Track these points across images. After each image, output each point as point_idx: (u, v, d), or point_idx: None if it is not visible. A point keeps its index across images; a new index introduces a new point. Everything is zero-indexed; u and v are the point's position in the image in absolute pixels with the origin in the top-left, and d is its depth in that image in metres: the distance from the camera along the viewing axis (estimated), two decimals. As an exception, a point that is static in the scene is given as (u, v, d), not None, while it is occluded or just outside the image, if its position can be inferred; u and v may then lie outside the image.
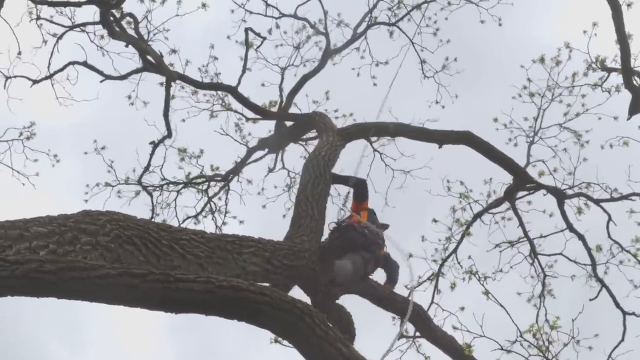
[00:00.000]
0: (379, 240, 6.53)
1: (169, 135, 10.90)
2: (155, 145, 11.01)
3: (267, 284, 4.38)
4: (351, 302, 6.20)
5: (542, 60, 11.18)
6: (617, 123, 10.70)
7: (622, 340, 9.47)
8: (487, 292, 9.95)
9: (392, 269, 6.81)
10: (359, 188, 7.10)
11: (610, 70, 10.48)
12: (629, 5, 9.23)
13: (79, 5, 10.13)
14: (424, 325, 6.83)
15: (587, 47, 10.53)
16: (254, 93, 11.14)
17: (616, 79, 10.45)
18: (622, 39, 8.31)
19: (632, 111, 9.35)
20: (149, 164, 11.19)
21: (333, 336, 3.67)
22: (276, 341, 8.23)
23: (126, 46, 10.20)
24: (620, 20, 8.09)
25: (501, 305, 9.48)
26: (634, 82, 9.00)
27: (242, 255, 4.89)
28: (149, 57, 10.21)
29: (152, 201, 11.39)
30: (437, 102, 11.98)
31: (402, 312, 7.02)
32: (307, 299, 5.58)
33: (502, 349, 9.18)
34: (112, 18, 9.70)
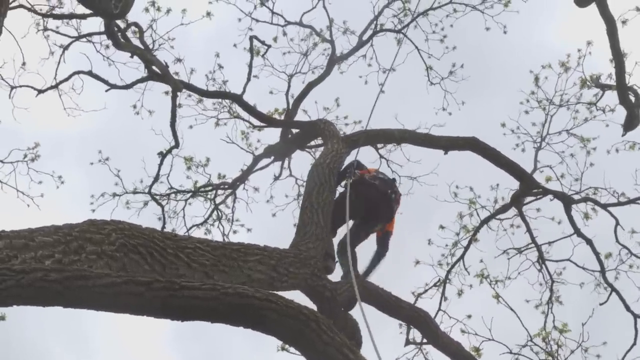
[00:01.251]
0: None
1: (177, 145, 10.95)
2: (163, 155, 11.05)
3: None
4: (357, 309, 6.20)
5: (536, 79, 11.27)
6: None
7: (634, 343, 9.44)
8: (497, 296, 9.92)
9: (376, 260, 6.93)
10: (352, 168, 7.33)
11: (604, 87, 10.50)
12: (623, 22, 9.26)
13: (83, 17, 10.20)
14: (430, 332, 6.81)
15: (582, 66, 10.71)
16: (263, 100, 11.20)
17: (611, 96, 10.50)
18: (617, 55, 8.31)
19: (627, 127, 9.38)
20: (158, 175, 11.24)
21: (340, 342, 3.66)
22: (283, 349, 8.22)
23: (131, 57, 10.27)
24: (615, 36, 8.09)
25: (511, 309, 9.45)
26: (629, 99, 9.01)
27: (248, 263, 4.89)
28: (155, 68, 10.26)
29: (162, 211, 11.43)
30: (444, 109, 12.01)
31: (409, 320, 7.06)
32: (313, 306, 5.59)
33: (511, 352, 9.16)
34: (116, 28, 9.75)
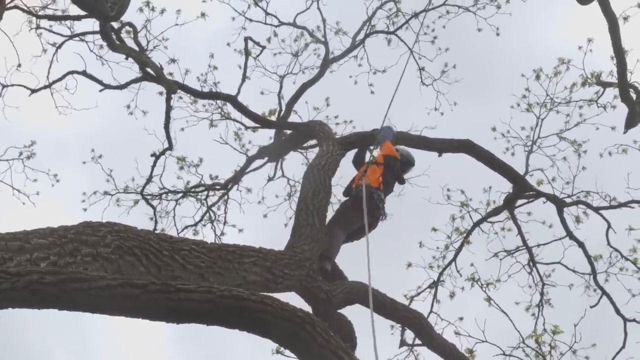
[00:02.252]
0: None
1: (170, 147, 10.93)
2: (156, 157, 11.02)
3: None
4: (352, 311, 6.21)
5: (537, 77, 11.27)
6: (615, 131, 10.74)
7: (623, 346, 9.47)
8: (489, 299, 9.94)
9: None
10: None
11: (605, 84, 10.53)
12: (625, 19, 9.28)
13: (78, 18, 10.17)
14: (425, 333, 6.82)
15: (583, 63, 10.64)
16: (253, 101, 11.16)
17: (612, 93, 10.50)
18: (619, 52, 8.34)
19: (628, 125, 9.39)
20: (150, 176, 11.19)
21: (335, 344, 3.66)
22: (278, 352, 8.19)
23: (126, 59, 10.23)
24: (616, 34, 8.12)
25: (503, 311, 9.48)
26: (630, 96, 9.04)
27: (243, 265, 4.89)
28: (149, 70, 10.23)
29: (154, 213, 11.40)
30: (436, 109, 12.02)
31: (403, 321, 7.07)
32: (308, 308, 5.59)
33: (504, 354, 9.19)
34: (111, 30, 9.72)
